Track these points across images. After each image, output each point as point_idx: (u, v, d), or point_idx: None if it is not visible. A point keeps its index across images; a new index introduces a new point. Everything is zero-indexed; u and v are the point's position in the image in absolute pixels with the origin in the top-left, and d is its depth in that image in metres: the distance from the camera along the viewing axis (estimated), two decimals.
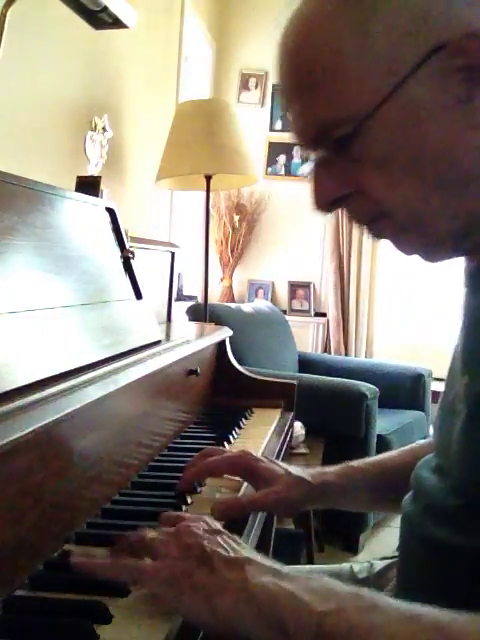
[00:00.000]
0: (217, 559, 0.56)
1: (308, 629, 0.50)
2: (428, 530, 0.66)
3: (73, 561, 0.61)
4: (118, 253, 1.15)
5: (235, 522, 0.80)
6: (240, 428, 1.29)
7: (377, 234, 0.66)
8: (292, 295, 3.91)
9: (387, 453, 0.94)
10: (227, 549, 0.58)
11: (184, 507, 0.84)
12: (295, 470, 0.87)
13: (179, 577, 0.55)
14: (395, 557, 0.92)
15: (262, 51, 3.90)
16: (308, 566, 0.98)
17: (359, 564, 0.95)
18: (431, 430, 0.94)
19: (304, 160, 0.69)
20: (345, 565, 0.96)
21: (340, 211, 0.66)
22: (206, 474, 0.92)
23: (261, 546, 1.24)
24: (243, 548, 0.59)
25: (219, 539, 0.59)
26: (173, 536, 0.60)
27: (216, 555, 0.56)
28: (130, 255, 1.17)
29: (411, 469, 0.76)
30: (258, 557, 0.57)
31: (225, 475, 0.94)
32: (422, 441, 0.93)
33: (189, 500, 0.86)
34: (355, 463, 0.90)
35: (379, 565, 0.93)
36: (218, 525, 0.63)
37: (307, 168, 0.65)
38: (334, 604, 0.50)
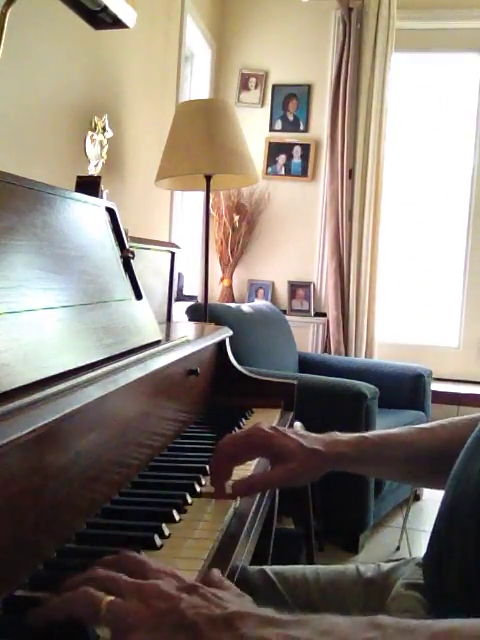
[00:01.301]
0: (202, 622, 0.48)
1: None
2: None
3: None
4: (118, 253, 1.15)
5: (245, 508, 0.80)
6: (240, 428, 1.29)
7: None
8: (292, 295, 3.90)
9: (402, 428, 0.96)
10: (210, 606, 0.50)
11: (177, 516, 0.84)
12: (308, 441, 0.89)
13: None
14: (402, 559, 0.93)
15: (262, 51, 3.91)
16: (313, 567, 0.98)
17: (365, 565, 0.96)
18: None
19: None
20: (351, 566, 0.97)
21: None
22: (230, 464, 0.90)
23: (261, 546, 1.24)
24: (229, 600, 0.52)
25: (197, 597, 0.51)
26: (139, 599, 0.50)
27: (200, 618, 0.48)
28: (130, 255, 1.17)
29: (423, 446, 0.79)
30: (248, 606, 0.51)
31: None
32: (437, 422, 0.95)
33: (189, 500, 0.86)
34: (368, 435, 0.93)
35: (386, 566, 0.94)
36: (191, 579, 0.55)
37: None
38: None
